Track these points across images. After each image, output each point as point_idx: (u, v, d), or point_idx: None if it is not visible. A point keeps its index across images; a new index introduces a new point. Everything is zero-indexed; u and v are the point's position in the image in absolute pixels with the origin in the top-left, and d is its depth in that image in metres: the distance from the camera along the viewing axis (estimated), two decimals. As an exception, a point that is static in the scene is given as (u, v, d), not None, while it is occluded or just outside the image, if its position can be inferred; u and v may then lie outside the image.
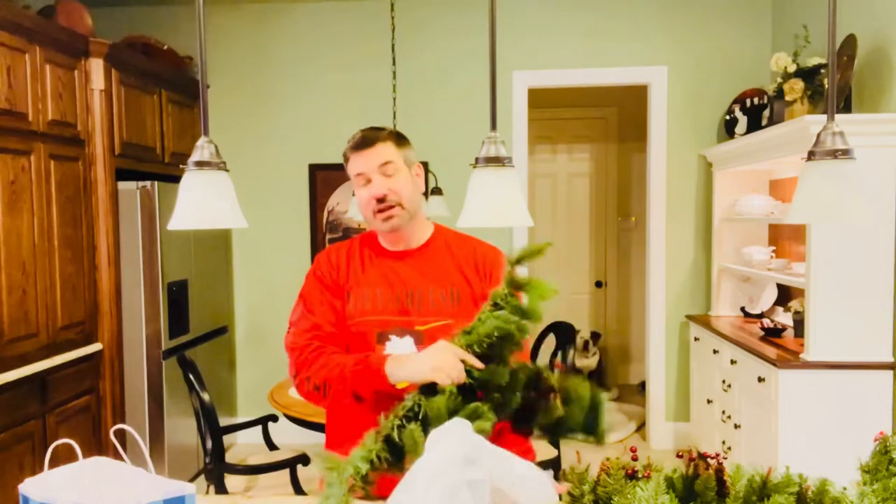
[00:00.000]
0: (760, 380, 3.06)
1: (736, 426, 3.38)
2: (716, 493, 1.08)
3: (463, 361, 1.37)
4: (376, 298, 1.67)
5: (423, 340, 1.63)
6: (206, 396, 2.89)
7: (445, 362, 1.36)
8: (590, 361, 5.68)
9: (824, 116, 1.32)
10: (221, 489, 2.92)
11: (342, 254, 1.75)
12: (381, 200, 1.63)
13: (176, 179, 3.71)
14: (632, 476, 1.12)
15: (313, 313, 1.67)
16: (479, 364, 1.37)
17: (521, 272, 1.41)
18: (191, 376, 2.92)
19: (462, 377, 1.35)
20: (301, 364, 1.62)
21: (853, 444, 1.19)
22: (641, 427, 4.77)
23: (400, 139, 1.70)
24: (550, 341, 3.56)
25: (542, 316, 1.41)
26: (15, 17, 2.81)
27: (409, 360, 1.47)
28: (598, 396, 1.51)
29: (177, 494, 1.06)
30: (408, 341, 1.63)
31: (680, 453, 1.18)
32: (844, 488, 1.06)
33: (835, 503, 1.05)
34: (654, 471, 1.12)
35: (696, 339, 4.16)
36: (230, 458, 3.24)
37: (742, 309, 4.03)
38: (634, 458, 1.17)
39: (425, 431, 1.23)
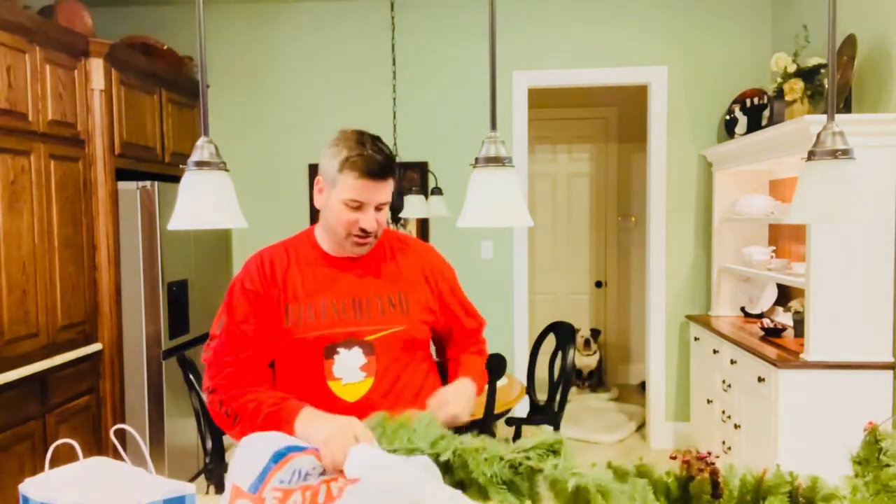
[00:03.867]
0: (760, 380, 3.06)
1: (736, 426, 3.38)
2: (710, 496, 1.08)
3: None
4: (320, 311, 1.58)
5: (373, 351, 1.57)
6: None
7: (337, 446, 1.20)
8: (590, 360, 5.69)
9: (824, 116, 1.32)
10: (221, 489, 2.92)
11: (278, 263, 1.63)
12: (365, 232, 1.57)
13: (176, 179, 3.71)
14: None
15: (236, 332, 1.58)
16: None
17: None
18: (191, 376, 2.92)
19: (340, 467, 1.18)
20: (217, 386, 1.55)
21: (853, 444, 1.19)
22: (641, 427, 4.77)
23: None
24: (550, 341, 3.55)
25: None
26: (15, 17, 2.81)
27: (316, 425, 1.37)
28: None
29: (177, 494, 1.06)
30: (356, 353, 1.57)
31: (673, 455, 1.17)
32: (837, 487, 1.06)
33: (827, 500, 1.05)
34: (648, 471, 1.12)
35: (696, 339, 4.16)
36: (230, 458, 3.24)
37: (742, 309, 4.03)
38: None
39: None
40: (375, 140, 1.58)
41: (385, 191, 1.56)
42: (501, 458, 1.14)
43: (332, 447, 1.19)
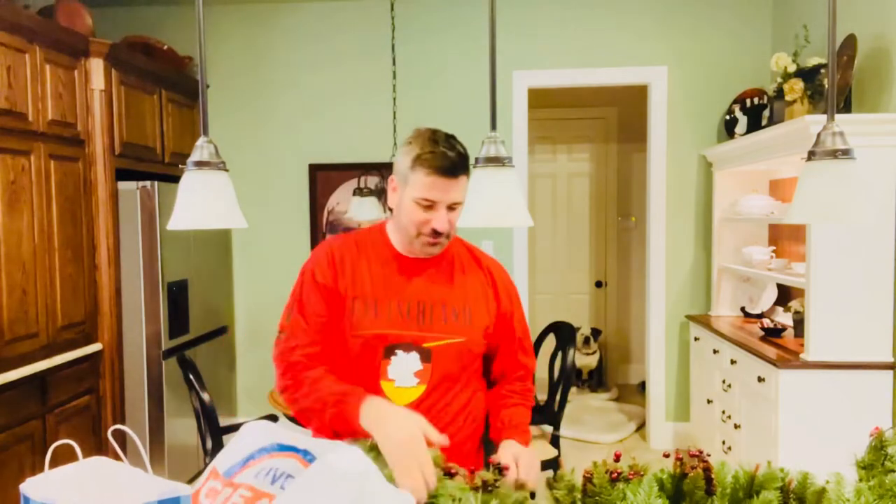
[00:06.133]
0: (760, 380, 3.06)
1: (736, 426, 3.38)
2: (704, 492, 1.08)
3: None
4: (385, 310, 1.56)
5: (430, 359, 1.56)
6: (205, 396, 2.89)
7: (412, 474, 1.19)
8: (590, 360, 5.69)
9: (824, 116, 1.32)
10: (221, 489, 2.91)
11: (347, 256, 1.60)
12: (437, 233, 1.53)
13: (176, 179, 3.71)
14: (616, 479, 1.11)
15: (308, 324, 1.56)
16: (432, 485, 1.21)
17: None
18: (191, 376, 2.92)
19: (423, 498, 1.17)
20: (290, 383, 1.53)
21: (853, 444, 1.19)
22: (641, 427, 4.77)
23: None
24: (551, 341, 3.55)
25: None
26: (15, 17, 2.81)
27: (381, 429, 1.30)
28: None
29: (172, 495, 1.06)
30: (413, 357, 1.55)
31: (667, 453, 1.18)
32: (827, 481, 1.07)
33: (817, 495, 1.05)
34: (642, 469, 1.12)
35: (696, 339, 4.16)
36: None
37: (742, 309, 4.03)
38: (617, 459, 1.16)
39: None
40: (449, 138, 1.55)
41: (457, 190, 1.51)
42: None
43: (411, 475, 1.19)
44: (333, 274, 1.58)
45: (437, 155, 1.49)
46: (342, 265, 1.59)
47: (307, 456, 1.14)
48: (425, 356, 1.55)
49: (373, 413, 1.36)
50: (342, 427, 1.39)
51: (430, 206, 1.51)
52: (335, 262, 1.60)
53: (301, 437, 1.19)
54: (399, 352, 1.54)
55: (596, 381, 5.76)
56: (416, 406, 1.53)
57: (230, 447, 1.18)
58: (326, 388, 1.47)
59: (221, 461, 1.16)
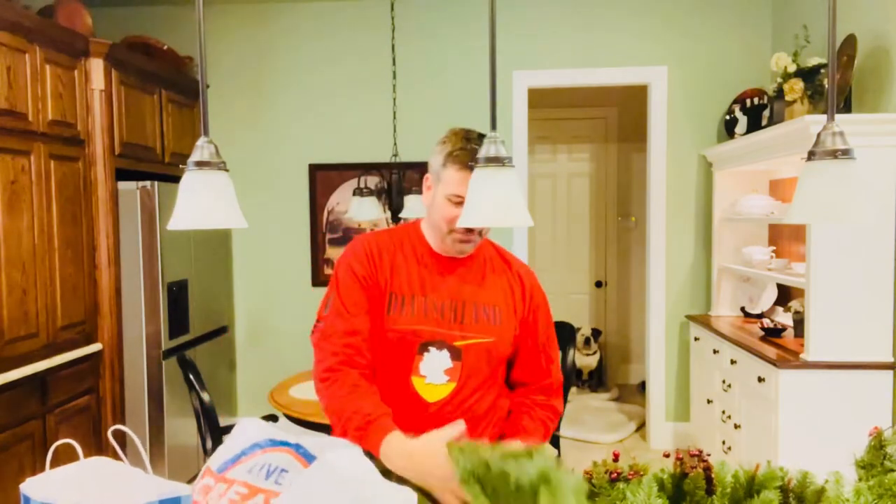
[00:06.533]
0: (760, 380, 3.06)
1: (736, 426, 3.38)
2: (704, 492, 1.08)
3: None
4: (421, 306, 1.58)
5: (460, 357, 1.57)
6: (206, 396, 2.89)
7: (442, 484, 1.27)
8: (590, 360, 5.69)
9: (824, 116, 1.32)
10: (221, 489, 2.91)
11: (385, 252, 1.62)
12: (469, 231, 1.54)
13: (176, 179, 3.71)
14: (616, 479, 1.11)
15: (349, 313, 1.56)
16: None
17: None
18: (191, 376, 2.92)
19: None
20: (325, 374, 1.53)
21: (853, 444, 1.19)
22: (641, 427, 4.77)
23: None
24: (550, 341, 3.55)
25: None
26: (15, 17, 2.81)
27: (404, 457, 1.35)
28: None
29: (172, 495, 1.06)
30: (444, 355, 1.57)
31: (666, 453, 1.18)
32: (827, 480, 1.07)
33: (817, 495, 1.06)
34: (642, 469, 1.12)
35: (696, 339, 4.16)
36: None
37: (742, 309, 4.03)
38: (615, 459, 1.16)
39: None
40: (482, 136, 1.54)
41: None
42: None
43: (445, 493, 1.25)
44: (372, 267, 1.60)
45: (467, 151, 1.50)
46: (380, 259, 1.61)
47: (300, 450, 1.15)
48: (456, 354, 1.57)
49: (395, 456, 1.38)
50: (362, 446, 1.40)
51: (461, 202, 1.50)
52: (374, 255, 1.61)
53: (292, 434, 1.20)
54: (432, 349, 1.56)
55: (596, 381, 5.76)
56: (447, 403, 1.56)
57: (223, 445, 1.19)
58: (355, 405, 1.47)
59: (215, 458, 1.16)
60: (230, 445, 1.18)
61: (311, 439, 1.15)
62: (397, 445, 1.39)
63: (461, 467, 1.01)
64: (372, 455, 1.34)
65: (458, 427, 1.33)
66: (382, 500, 1.02)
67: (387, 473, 1.32)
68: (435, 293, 1.59)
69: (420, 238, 1.66)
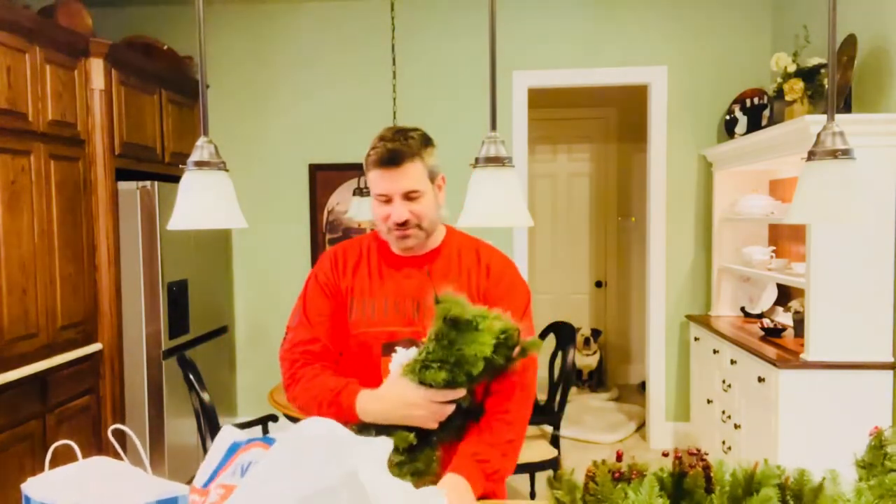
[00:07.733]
0: (760, 380, 3.06)
1: (736, 426, 3.38)
2: (704, 490, 1.09)
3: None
4: (383, 308, 1.60)
5: None
6: (206, 396, 2.89)
7: (421, 408, 1.42)
8: (590, 360, 5.69)
9: (824, 116, 1.32)
10: (221, 489, 2.91)
11: (350, 258, 1.66)
12: (401, 224, 1.56)
13: (176, 179, 3.71)
14: (618, 479, 1.11)
15: (311, 323, 1.62)
16: (453, 395, 1.44)
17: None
18: (191, 376, 2.92)
19: (443, 414, 1.42)
20: (290, 381, 1.60)
21: (853, 444, 1.19)
22: (641, 427, 4.77)
23: (426, 149, 1.56)
24: (550, 341, 3.55)
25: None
26: (15, 17, 2.81)
27: (378, 401, 1.47)
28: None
29: (170, 496, 1.06)
30: (413, 353, 1.55)
31: (665, 452, 1.18)
32: (824, 478, 1.07)
33: (814, 492, 1.06)
34: (642, 468, 1.12)
35: (696, 339, 4.16)
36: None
37: (742, 309, 4.03)
38: (619, 459, 1.16)
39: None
40: (399, 131, 1.56)
41: (406, 178, 1.52)
42: None
43: (422, 411, 1.42)
44: (335, 274, 1.65)
45: (377, 150, 1.54)
46: (344, 265, 1.66)
47: (270, 441, 1.18)
48: None
49: (370, 406, 1.47)
50: (339, 419, 1.40)
51: (386, 199, 1.55)
52: (337, 262, 1.67)
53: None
54: (399, 348, 1.56)
55: (596, 381, 5.76)
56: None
57: (204, 462, 1.21)
58: (321, 385, 1.54)
59: (198, 477, 1.18)
60: (208, 460, 1.19)
61: (281, 431, 1.19)
62: (369, 396, 1.49)
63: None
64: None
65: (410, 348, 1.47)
66: (356, 449, 1.04)
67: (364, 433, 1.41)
68: (397, 293, 1.62)
69: (383, 242, 1.68)
